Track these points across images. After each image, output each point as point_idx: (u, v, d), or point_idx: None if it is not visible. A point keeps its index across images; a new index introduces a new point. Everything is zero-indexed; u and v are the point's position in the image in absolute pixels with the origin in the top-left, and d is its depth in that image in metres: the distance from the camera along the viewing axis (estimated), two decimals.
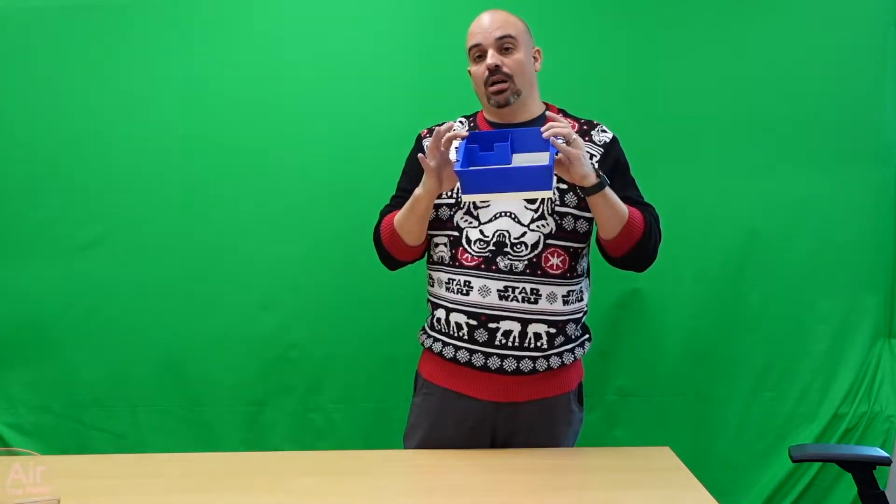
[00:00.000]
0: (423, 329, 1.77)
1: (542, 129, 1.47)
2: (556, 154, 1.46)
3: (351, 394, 2.37)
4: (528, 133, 1.53)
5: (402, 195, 1.71)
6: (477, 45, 1.63)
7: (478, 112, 1.76)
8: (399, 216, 1.64)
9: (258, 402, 2.36)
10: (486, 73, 1.61)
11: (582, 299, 1.71)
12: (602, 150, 1.67)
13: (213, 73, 2.26)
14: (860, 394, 2.38)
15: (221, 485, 1.52)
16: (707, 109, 2.29)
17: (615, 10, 2.27)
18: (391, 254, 1.70)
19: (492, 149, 1.51)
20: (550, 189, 1.44)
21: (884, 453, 1.75)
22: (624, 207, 1.58)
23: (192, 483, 1.53)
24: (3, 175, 2.29)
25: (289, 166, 2.29)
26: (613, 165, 1.67)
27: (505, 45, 1.61)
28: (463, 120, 1.74)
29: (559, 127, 1.47)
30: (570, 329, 1.67)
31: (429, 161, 1.52)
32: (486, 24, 1.62)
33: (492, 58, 1.60)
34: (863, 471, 1.74)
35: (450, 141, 1.51)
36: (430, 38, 2.24)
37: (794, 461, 1.79)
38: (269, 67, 2.26)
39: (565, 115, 1.72)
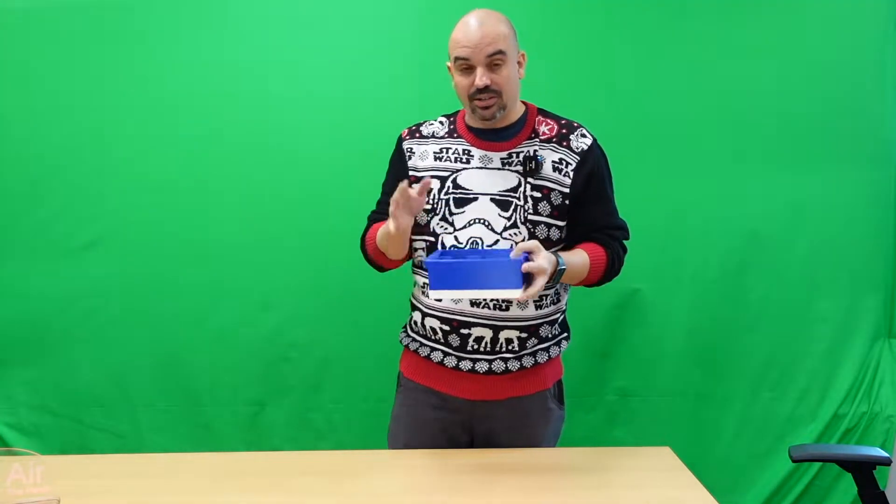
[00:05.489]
0: (404, 328, 1.78)
1: (512, 255, 1.46)
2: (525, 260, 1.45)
3: (351, 394, 2.37)
4: (498, 253, 1.55)
5: (386, 200, 1.70)
6: (464, 59, 1.56)
7: (458, 112, 1.74)
8: (379, 238, 1.66)
9: (258, 402, 2.37)
10: (474, 89, 1.57)
11: (558, 301, 1.69)
12: (578, 157, 1.63)
13: (213, 74, 2.26)
14: (860, 394, 2.38)
15: (221, 485, 1.52)
16: (707, 110, 2.29)
17: (618, 10, 2.27)
18: (378, 263, 1.74)
19: (464, 258, 1.54)
20: (520, 287, 1.43)
21: (884, 453, 1.75)
22: (584, 267, 1.61)
23: (192, 483, 1.53)
24: (4, 175, 2.29)
25: (289, 167, 2.29)
26: (588, 176, 1.64)
27: (495, 61, 1.55)
28: (444, 119, 1.73)
29: (525, 245, 1.47)
30: (544, 331, 1.67)
31: (399, 220, 1.52)
32: (476, 38, 1.54)
33: (481, 78, 1.55)
34: (863, 471, 1.74)
35: (424, 189, 1.52)
36: (427, 36, 2.24)
37: (794, 461, 1.79)
38: (269, 68, 2.26)
39: (545, 115, 1.70)
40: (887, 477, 2.24)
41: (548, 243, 1.60)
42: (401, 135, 1.74)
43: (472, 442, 1.72)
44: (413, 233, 1.64)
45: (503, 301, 1.60)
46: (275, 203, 2.30)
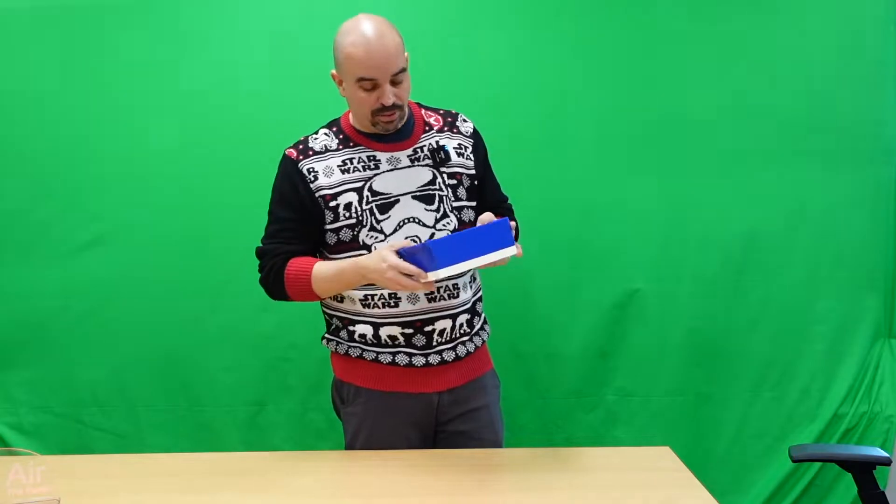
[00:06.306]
0: (339, 342, 1.73)
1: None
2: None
3: None
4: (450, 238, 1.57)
5: (285, 227, 1.67)
6: (371, 80, 1.55)
7: (338, 120, 1.72)
8: (323, 283, 1.62)
9: (258, 402, 2.36)
10: (380, 105, 1.57)
11: (476, 277, 1.79)
12: (472, 140, 1.75)
13: (215, 75, 2.26)
14: (860, 394, 2.38)
15: (221, 485, 1.52)
16: (707, 110, 2.29)
17: (620, 9, 2.26)
18: (291, 298, 1.69)
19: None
20: (514, 244, 1.48)
21: (884, 453, 1.75)
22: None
23: (192, 483, 1.53)
24: (3, 175, 2.29)
25: None
26: (482, 155, 1.77)
27: (398, 77, 1.57)
28: (327, 131, 1.70)
29: (486, 217, 1.55)
30: (478, 307, 1.77)
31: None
32: (382, 58, 1.53)
33: (390, 97, 1.56)
34: (863, 471, 1.74)
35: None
36: (427, 35, 2.24)
37: (794, 461, 1.80)
38: (265, 68, 2.26)
39: (424, 107, 1.75)
40: (887, 477, 2.25)
41: (470, 224, 1.68)
42: (288, 156, 1.67)
43: (435, 432, 1.75)
44: (339, 251, 1.65)
45: (453, 288, 1.66)
46: None
